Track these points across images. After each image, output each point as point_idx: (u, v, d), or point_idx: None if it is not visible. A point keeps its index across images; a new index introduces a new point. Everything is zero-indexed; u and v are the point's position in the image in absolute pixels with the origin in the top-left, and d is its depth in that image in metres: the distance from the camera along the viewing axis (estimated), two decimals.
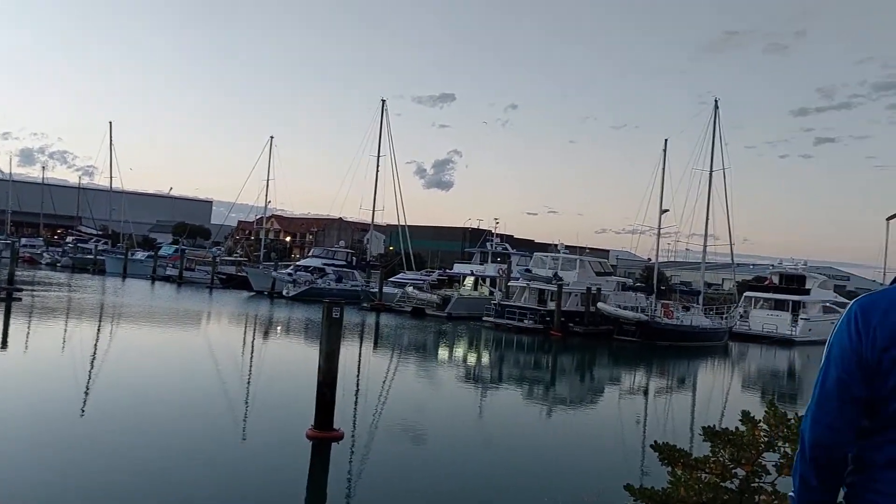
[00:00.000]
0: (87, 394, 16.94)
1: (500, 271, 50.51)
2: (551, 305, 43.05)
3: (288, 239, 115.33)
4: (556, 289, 42.65)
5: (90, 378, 19.04)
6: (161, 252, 75.51)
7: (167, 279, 65.87)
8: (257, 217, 75.83)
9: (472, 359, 32.05)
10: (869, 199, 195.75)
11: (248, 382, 20.77)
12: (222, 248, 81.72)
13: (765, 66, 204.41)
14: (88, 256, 73.52)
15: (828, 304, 57.67)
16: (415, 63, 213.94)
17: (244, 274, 62.13)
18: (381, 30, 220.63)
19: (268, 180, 69.70)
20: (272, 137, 70.45)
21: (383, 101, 61.57)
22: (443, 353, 33.15)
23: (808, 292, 55.59)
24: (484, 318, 44.52)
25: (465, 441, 15.48)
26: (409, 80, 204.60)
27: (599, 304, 43.12)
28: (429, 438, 15.52)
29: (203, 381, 19.72)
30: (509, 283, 47.65)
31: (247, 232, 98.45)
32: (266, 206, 72.18)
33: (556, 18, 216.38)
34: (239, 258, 74.99)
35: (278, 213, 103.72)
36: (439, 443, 15.14)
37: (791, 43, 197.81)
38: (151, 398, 16.64)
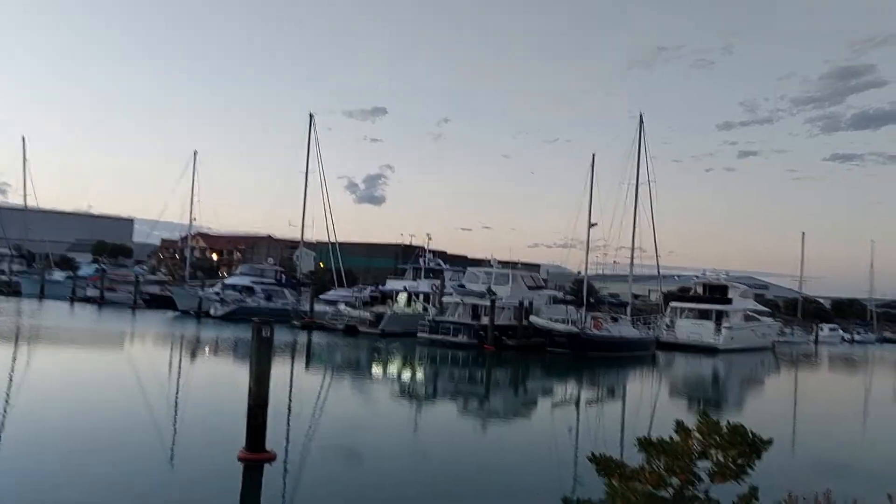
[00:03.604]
0: (1, 422, 16.01)
1: (434, 287, 50.61)
2: (485, 320, 43.33)
3: (214, 257, 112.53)
4: (489, 303, 42.97)
5: (5, 405, 18.01)
6: (80, 272, 72.67)
7: (87, 300, 63.45)
8: (182, 235, 73.85)
9: (406, 375, 31.87)
10: (787, 211, 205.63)
11: (176, 406, 20.07)
12: (145, 268, 79.17)
13: (692, 80, 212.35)
14: (2, 278, 70.16)
15: (748, 313, 60.06)
16: (345, 77, 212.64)
17: (169, 293, 60.36)
18: (310, 42, 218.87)
19: (192, 197, 67.97)
20: (196, 153, 68.57)
21: (311, 115, 61.02)
22: (377, 370, 32.87)
23: (730, 301, 57.75)
24: (418, 335, 44.44)
25: (401, 458, 15.33)
26: (339, 94, 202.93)
27: (532, 318, 43.66)
28: (364, 457, 15.31)
29: (127, 406, 18.91)
30: (443, 299, 47.76)
31: (171, 250, 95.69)
32: (191, 223, 70.37)
33: (489, 32, 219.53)
34: (163, 277, 72.77)
35: (204, 230, 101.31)
36: (374, 461, 14.95)
37: (717, 58, 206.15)
38: (72, 425, 15.85)
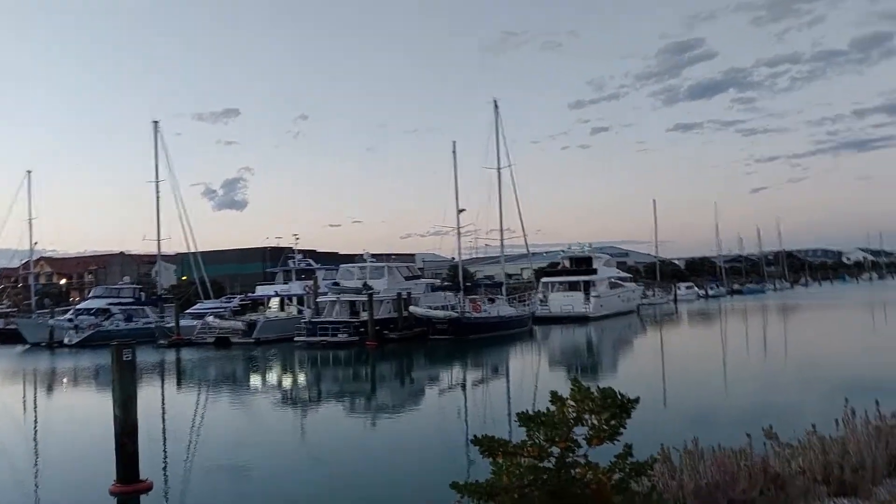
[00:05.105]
0: None
1: (307, 288, 49.58)
2: (364, 316, 42.98)
3: (63, 282, 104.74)
4: (366, 298, 42.64)
5: None
6: None
7: None
8: (22, 262, 67.91)
9: (287, 382, 31.07)
10: (639, 181, 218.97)
11: (36, 445, 18.49)
12: None
13: (542, 63, 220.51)
14: None
15: (613, 280, 63.40)
16: (190, 78, 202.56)
17: (14, 326, 55.54)
18: (150, 43, 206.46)
19: (30, 220, 62.13)
20: (29, 172, 62.73)
21: (155, 122, 57.66)
22: (255, 381, 31.78)
23: (595, 272, 60.67)
24: (296, 339, 43.42)
25: (290, 467, 14.89)
26: (186, 97, 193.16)
27: (411, 308, 43.80)
28: (251, 471, 14.73)
29: None
30: (318, 299, 46.90)
31: (12, 280, 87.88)
32: (31, 248, 64.67)
33: (339, 27, 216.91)
34: (6, 310, 66.95)
35: (48, 254, 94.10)
36: (262, 474, 14.42)
37: (565, 41, 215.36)
38: None
